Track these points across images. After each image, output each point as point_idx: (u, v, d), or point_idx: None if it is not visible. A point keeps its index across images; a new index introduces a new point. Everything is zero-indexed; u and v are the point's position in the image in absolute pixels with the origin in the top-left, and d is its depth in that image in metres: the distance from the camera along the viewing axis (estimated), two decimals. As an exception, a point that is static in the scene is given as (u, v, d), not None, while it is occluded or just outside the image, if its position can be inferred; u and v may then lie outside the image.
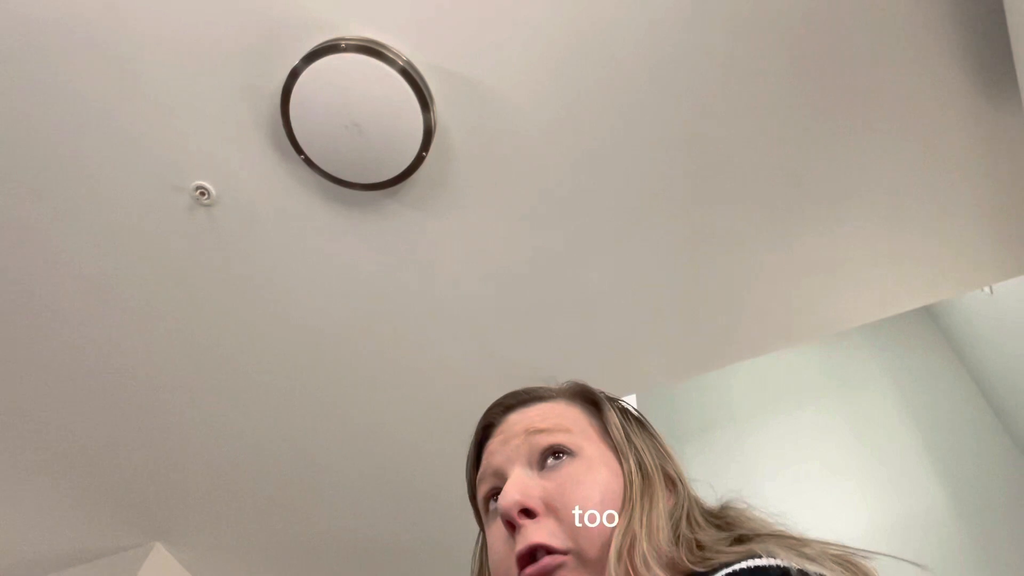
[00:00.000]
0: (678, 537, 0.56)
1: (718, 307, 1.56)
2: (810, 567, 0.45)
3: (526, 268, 1.47)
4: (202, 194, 1.35)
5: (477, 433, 0.70)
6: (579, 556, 0.54)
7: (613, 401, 0.70)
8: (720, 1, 1.16)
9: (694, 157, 1.33)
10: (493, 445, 0.66)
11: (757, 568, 0.45)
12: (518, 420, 0.65)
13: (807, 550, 0.49)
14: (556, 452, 0.61)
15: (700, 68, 1.23)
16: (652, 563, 0.51)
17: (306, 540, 2.04)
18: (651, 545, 0.53)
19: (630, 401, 3.08)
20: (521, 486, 0.57)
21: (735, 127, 1.30)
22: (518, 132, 1.29)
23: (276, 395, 1.69)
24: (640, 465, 0.62)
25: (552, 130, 1.29)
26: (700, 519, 0.59)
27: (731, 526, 0.58)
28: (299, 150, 1.26)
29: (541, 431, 0.62)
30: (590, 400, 0.69)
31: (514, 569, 0.55)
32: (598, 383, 1.77)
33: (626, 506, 0.57)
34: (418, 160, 1.27)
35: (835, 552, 0.50)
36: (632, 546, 0.53)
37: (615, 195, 1.38)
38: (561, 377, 1.71)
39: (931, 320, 3.10)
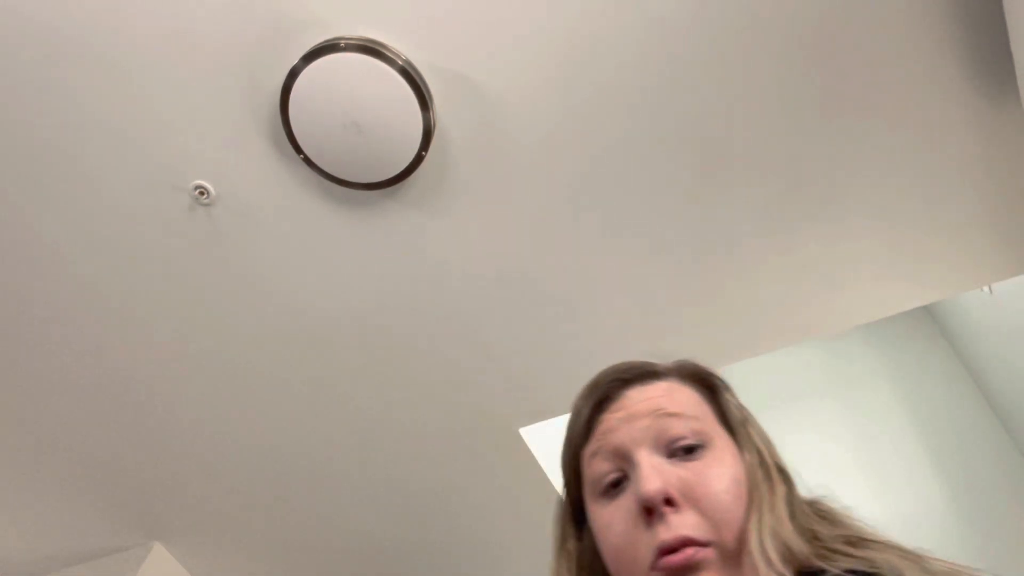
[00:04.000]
0: (798, 527, 0.56)
1: (717, 307, 1.56)
2: None
3: (525, 267, 1.47)
4: (201, 194, 1.35)
5: (590, 403, 0.66)
6: (720, 548, 0.54)
7: (726, 385, 0.68)
8: (721, 2, 1.16)
9: (694, 157, 1.33)
10: (612, 420, 0.63)
11: None
12: (641, 398, 0.63)
13: (929, 565, 0.50)
14: (688, 441, 0.60)
15: (700, 69, 1.23)
16: (783, 554, 0.52)
17: (306, 540, 2.04)
18: (783, 536, 0.54)
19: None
20: (661, 474, 0.57)
21: (735, 127, 1.30)
22: (517, 132, 1.29)
23: (275, 395, 1.69)
24: (759, 454, 0.61)
25: (551, 130, 1.29)
26: (808, 510, 0.60)
27: (833, 523, 0.58)
28: (298, 149, 1.26)
29: (672, 415, 0.61)
30: (704, 382, 0.68)
31: (648, 554, 0.54)
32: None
33: (755, 498, 0.57)
34: (417, 160, 1.27)
35: (945, 569, 0.51)
36: (768, 538, 0.53)
37: (614, 194, 1.38)
38: (561, 376, 1.71)
39: (930, 319, 3.10)
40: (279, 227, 1.41)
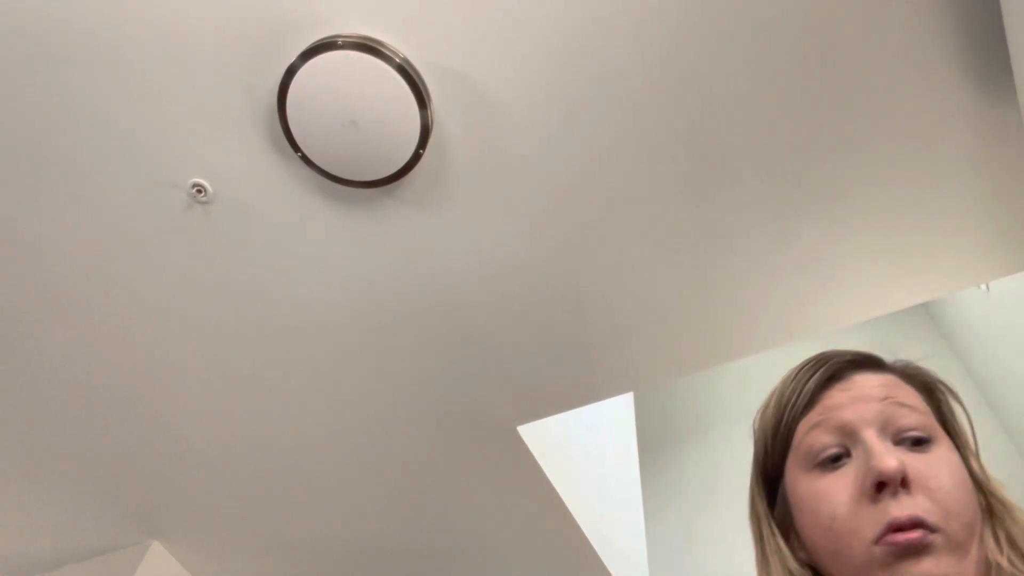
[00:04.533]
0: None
1: (714, 305, 1.56)
2: None
3: (523, 265, 1.47)
4: (199, 192, 1.35)
5: (816, 378, 0.67)
6: (948, 537, 0.54)
7: (953, 392, 0.69)
8: (719, 1, 1.16)
9: (692, 155, 1.33)
10: (840, 398, 0.64)
11: None
12: (871, 383, 0.64)
13: None
14: (917, 433, 0.60)
15: (699, 67, 1.23)
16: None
17: (304, 538, 2.05)
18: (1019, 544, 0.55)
19: (627, 400, 3.08)
20: (896, 455, 0.57)
21: (733, 125, 1.30)
22: (516, 129, 1.29)
23: (273, 393, 1.69)
24: (983, 468, 0.62)
25: (550, 128, 1.29)
26: None
27: None
28: (296, 147, 1.26)
29: (904, 406, 0.62)
30: (927, 386, 0.68)
31: (874, 528, 0.55)
32: (594, 380, 1.77)
33: (992, 502, 0.58)
34: (415, 158, 1.27)
35: None
36: (1012, 546, 0.55)
37: (613, 192, 1.38)
38: (559, 374, 1.71)
39: (928, 317, 3.11)
40: (277, 225, 1.41)
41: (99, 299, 1.50)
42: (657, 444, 3.44)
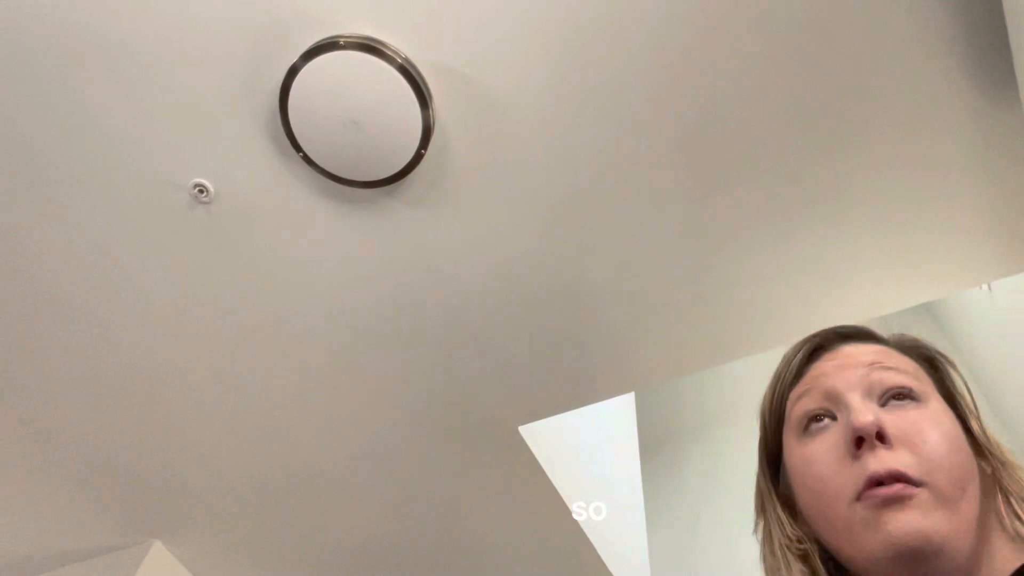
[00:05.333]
0: None
1: (716, 304, 1.56)
2: None
3: (524, 265, 1.47)
4: (200, 192, 1.35)
5: (803, 351, 0.67)
6: (934, 491, 0.53)
7: (951, 362, 0.68)
8: (721, 1, 1.16)
9: (693, 155, 1.33)
10: (826, 367, 0.64)
11: None
12: (857, 352, 0.64)
13: None
14: (903, 394, 0.60)
15: (699, 67, 1.23)
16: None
17: (305, 539, 2.05)
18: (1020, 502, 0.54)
19: (628, 400, 3.07)
20: (874, 411, 0.57)
21: (734, 126, 1.29)
22: (517, 129, 1.29)
23: (275, 393, 1.69)
24: (985, 433, 0.61)
25: (551, 128, 1.29)
26: None
27: None
28: (298, 148, 1.26)
29: (889, 368, 0.61)
30: (924, 357, 0.68)
31: (855, 485, 0.54)
32: (596, 379, 1.77)
33: (997, 466, 0.58)
34: (417, 158, 1.27)
35: None
36: (1005, 500, 0.54)
37: (613, 193, 1.38)
38: (561, 374, 1.70)
39: (930, 317, 3.11)
40: (278, 225, 1.41)
41: (101, 298, 1.50)
42: (658, 444, 3.43)
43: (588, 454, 2.26)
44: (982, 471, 0.58)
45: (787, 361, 0.69)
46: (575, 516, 1.97)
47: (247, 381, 1.66)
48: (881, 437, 0.55)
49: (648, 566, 2.55)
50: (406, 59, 1.19)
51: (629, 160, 1.33)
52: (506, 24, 1.18)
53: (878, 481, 0.53)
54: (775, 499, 0.65)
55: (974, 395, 0.66)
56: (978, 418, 0.62)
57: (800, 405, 0.64)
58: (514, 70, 1.23)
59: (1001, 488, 0.57)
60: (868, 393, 0.60)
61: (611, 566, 2.11)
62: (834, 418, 0.60)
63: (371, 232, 1.42)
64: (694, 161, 1.34)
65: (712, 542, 2.96)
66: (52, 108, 1.25)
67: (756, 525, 0.67)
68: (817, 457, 0.59)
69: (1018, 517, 0.55)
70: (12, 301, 1.49)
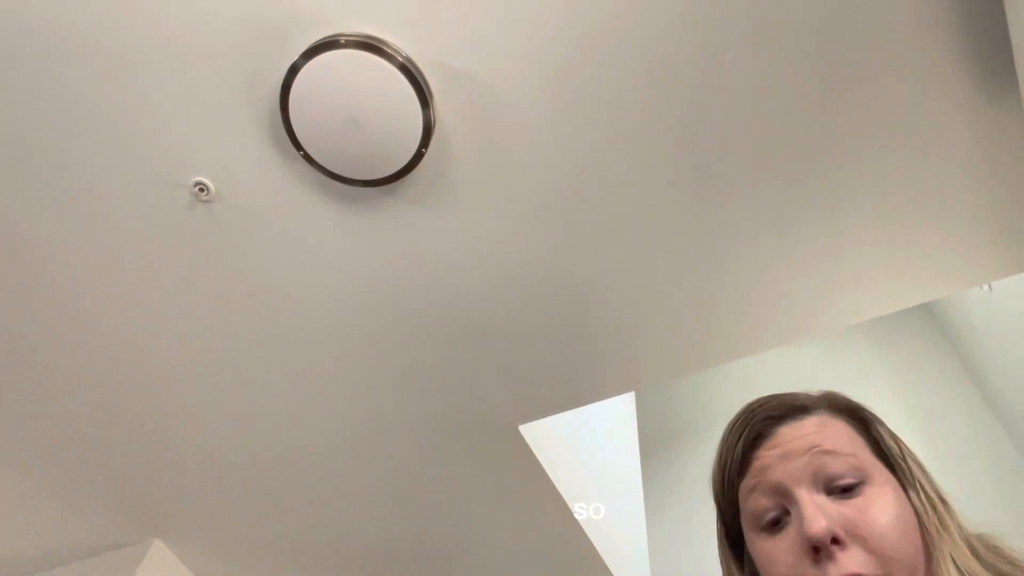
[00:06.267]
0: (984, 564, 0.58)
1: (716, 305, 1.56)
2: None
3: (525, 264, 1.47)
4: (201, 190, 1.35)
5: (743, 440, 0.68)
6: None
7: (878, 418, 0.70)
8: (721, 0, 1.16)
9: (694, 155, 1.33)
10: (768, 458, 0.65)
11: None
12: (795, 436, 0.65)
13: None
14: (847, 479, 0.61)
15: (701, 67, 1.23)
16: None
17: (306, 537, 2.05)
18: (975, 573, 0.56)
19: (628, 399, 3.08)
20: (825, 513, 0.58)
21: (735, 125, 1.29)
22: (518, 129, 1.29)
23: (276, 392, 1.69)
24: (923, 487, 0.63)
25: (552, 127, 1.29)
26: (979, 545, 0.61)
27: (1012, 563, 0.60)
28: (298, 146, 1.26)
29: (828, 452, 0.62)
30: (853, 415, 0.69)
31: None
32: (596, 379, 1.77)
33: (934, 535, 0.59)
34: (417, 157, 1.27)
35: None
36: (952, 566, 0.56)
37: (615, 192, 1.38)
38: (562, 372, 1.70)
39: (930, 317, 3.11)
40: (279, 224, 1.41)
41: (101, 297, 1.50)
42: (658, 443, 3.44)
43: (588, 453, 2.26)
44: (924, 531, 0.60)
45: (729, 449, 0.70)
46: (575, 515, 1.97)
47: (247, 378, 1.66)
48: (837, 540, 0.57)
49: (647, 564, 2.55)
50: (407, 58, 1.19)
51: (631, 160, 1.33)
52: (507, 23, 1.18)
53: None
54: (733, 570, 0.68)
55: (903, 447, 0.67)
56: (914, 483, 0.63)
57: (752, 501, 0.65)
58: (515, 69, 1.23)
59: (939, 554, 0.58)
60: (814, 483, 0.61)
61: (610, 564, 2.11)
62: (787, 512, 0.62)
63: (371, 231, 1.42)
64: (696, 161, 1.34)
65: (711, 541, 2.96)
66: (51, 105, 1.25)
67: None
68: (777, 556, 0.61)
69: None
70: (11, 298, 1.49)
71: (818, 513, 0.58)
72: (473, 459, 1.85)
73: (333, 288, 1.51)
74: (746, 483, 0.66)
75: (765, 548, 0.62)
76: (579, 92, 1.25)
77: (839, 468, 0.61)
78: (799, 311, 1.58)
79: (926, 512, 0.60)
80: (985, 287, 2.46)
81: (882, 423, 0.69)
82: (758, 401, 0.71)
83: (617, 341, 1.61)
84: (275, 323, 1.57)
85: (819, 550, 0.57)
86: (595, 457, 2.33)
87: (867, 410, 0.70)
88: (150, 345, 1.58)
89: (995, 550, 0.61)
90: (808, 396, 0.71)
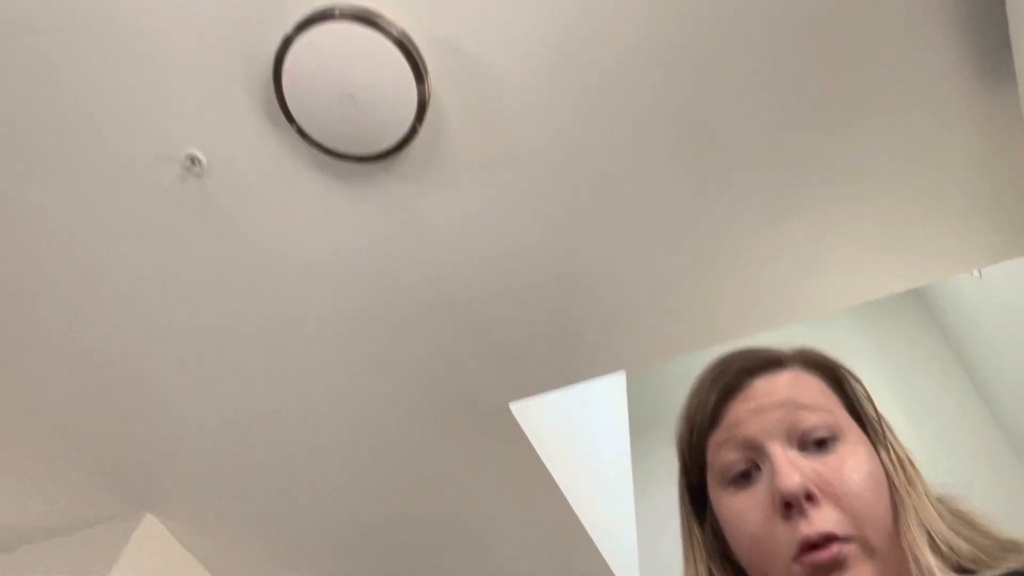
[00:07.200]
0: (950, 524, 0.58)
1: (708, 287, 1.56)
2: None
3: (517, 242, 1.47)
4: (193, 163, 1.34)
5: (716, 392, 0.66)
6: (862, 543, 0.55)
7: (854, 375, 0.68)
8: (719, -24, 1.15)
9: (688, 138, 1.33)
10: (741, 412, 0.63)
11: None
12: (770, 390, 0.64)
13: None
14: (821, 434, 0.60)
15: (698, 50, 1.22)
16: (945, 553, 0.54)
17: (298, 514, 2.06)
18: (943, 535, 0.55)
19: (619, 380, 3.09)
20: (798, 468, 0.57)
21: (730, 109, 1.29)
22: (513, 105, 1.28)
23: (268, 367, 1.69)
24: (893, 448, 0.62)
25: (548, 104, 1.28)
26: (941, 507, 0.60)
27: (972, 524, 0.59)
28: (291, 120, 1.25)
29: (803, 407, 0.61)
30: (828, 371, 0.68)
31: (789, 548, 0.55)
32: (588, 359, 1.77)
33: (903, 493, 0.58)
34: (412, 132, 1.26)
35: None
36: (923, 534, 0.55)
37: (608, 172, 1.37)
38: (553, 350, 1.70)
39: (919, 302, 3.12)
40: (271, 199, 1.40)
41: (91, 271, 1.49)
42: (648, 423, 3.46)
43: (578, 433, 2.27)
44: (893, 490, 0.59)
45: (700, 401, 0.68)
46: (564, 494, 1.99)
47: (240, 356, 1.66)
48: (809, 497, 0.56)
49: (636, 543, 2.57)
50: (402, 31, 1.17)
51: (625, 141, 1.33)
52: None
53: (812, 544, 0.54)
54: (701, 544, 0.67)
55: (878, 408, 0.66)
56: (885, 442, 0.63)
57: (721, 456, 0.63)
58: (512, 45, 1.21)
59: (908, 513, 0.58)
60: (788, 438, 0.60)
61: (599, 543, 2.13)
62: (758, 467, 0.61)
63: (365, 206, 1.41)
64: (690, 144, 1.34)
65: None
66: (35, 77, 1.23)
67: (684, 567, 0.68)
68: (746, 515, 0.60)
69: (931, 543, 0.56)
70: (2, 274, 1.48)
71: (791, 469, 0.57)
72: (464, 438, 1.86)
73: (325, 263, 1.50)
74: (716, 437, 0.65)
75: (733, 504, 0.61)
76: (576, 72, 1.24)
77: (813, 422, 0.60)
78: (790, 295, 1.59)
79: (896, 471, 0.60)
80: (975, 273, 2.47)
81: (857, 379, 0.68)
82: (731, 354, 0.70)
83: (609, 321, 1.61)
84: (267, 299, 1.56)
85: (791, 506, 0.56)
86: (585, 436, 2.34)
87: (842, 367, 0.69)
88: (141, 320, 1.58)
89: (959, 514, 0.60)
90: (782, 351, 0.69)
